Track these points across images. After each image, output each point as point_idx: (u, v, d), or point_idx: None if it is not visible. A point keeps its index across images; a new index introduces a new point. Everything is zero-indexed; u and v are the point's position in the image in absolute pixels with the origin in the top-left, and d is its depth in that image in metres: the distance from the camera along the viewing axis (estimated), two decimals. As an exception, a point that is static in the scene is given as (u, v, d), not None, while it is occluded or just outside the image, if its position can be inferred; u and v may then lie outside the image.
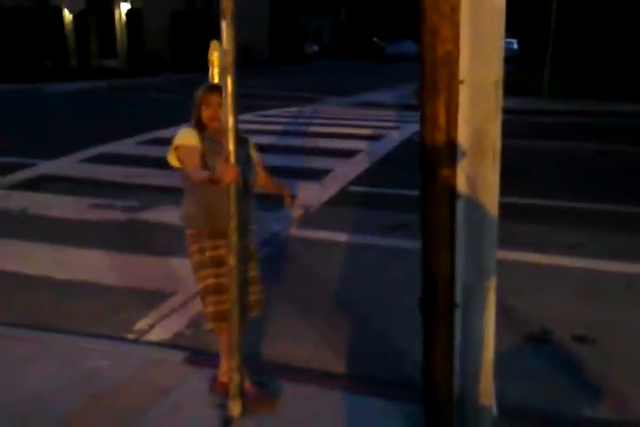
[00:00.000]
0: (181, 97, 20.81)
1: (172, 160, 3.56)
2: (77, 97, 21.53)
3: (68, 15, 30.39)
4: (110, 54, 34.79)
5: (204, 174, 3.36)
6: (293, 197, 3.63)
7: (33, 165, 9.99)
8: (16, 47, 30.20)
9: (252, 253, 3.66)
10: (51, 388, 3.75)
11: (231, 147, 3.13)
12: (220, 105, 3.31)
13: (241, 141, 3.49)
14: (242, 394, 3.48)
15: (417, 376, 3.33)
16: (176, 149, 3.50)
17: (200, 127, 3.50)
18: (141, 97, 21.98)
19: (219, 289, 3.54)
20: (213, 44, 3.35)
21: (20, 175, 9.30)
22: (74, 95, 22.04)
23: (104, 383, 3.79)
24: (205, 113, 3.46)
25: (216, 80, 3.48)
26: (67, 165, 10.13)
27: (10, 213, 7.48)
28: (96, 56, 33.83)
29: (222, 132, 3.26)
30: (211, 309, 3.58)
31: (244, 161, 3.40)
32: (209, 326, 3.63)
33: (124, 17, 34.93)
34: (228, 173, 3.15)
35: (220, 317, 3.56)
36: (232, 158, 3.13)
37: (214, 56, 3.32)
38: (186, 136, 3.49)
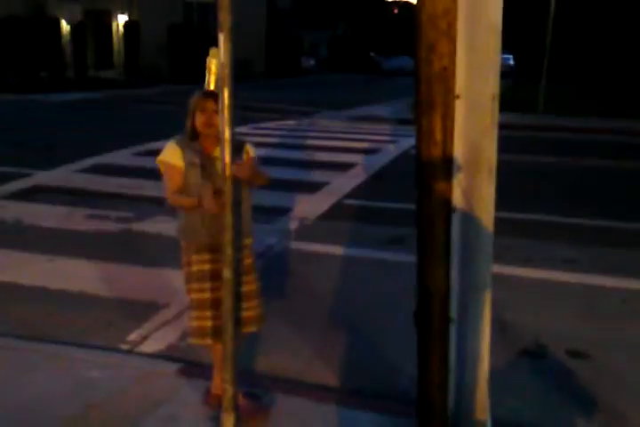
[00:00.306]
0: (178, 108, 20.85)
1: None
2: (74, 108, 21.55)
3: (65, 26, 30.46)
4: (107, 65, 34.89)
5: (182, 201, 3.40)
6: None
7: (28, 175, 9.98)
8: (12, 57, 30.21)
9: (248, 267, 3.61)
10: (47, 397, 3.74)
11: (228, 159, 3.13)
12: (216, 111, 3.25)
13: (236, 149, 3.49)
14: (235, 407, 3.47)
15: (411, 390, 3.33)
16: (159, 162, 3.48)
17: (193, 136, 3.45)
18: (138, 108, 22.01)
19: (202, 304, 3.54)
20: (212, 50, 3.34)
21: (15, 185, 9.29)
22: (70, 106, 22.05)
23: (98, 394, 3.78)
24: (200, 119, 3.38)
25: (212, 87, 3.47)
26: (62, 176, 10.12)
27: (4, 223, 7.47)
28: (93, 67, 33.91)
29: (215, 139, 3.27)
30: (194, 324, 3.57)
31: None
32: (191, 340, 3.63)
33: (121, 28, 35.06)
34: (216, 206, 3.12)
35: (201, 333, 3.55)
36: (228, 170, 3.13)
37: (212, 63, 3.32)
38: (169, 152, 3.45)
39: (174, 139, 3.50)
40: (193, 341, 3.61)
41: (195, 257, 3.53)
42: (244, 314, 3.59)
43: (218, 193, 3.10)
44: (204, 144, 3.44)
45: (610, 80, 27.35)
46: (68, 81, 29.40)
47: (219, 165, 3.15)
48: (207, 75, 3.36)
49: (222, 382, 3.39)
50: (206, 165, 3.39)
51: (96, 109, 21.36)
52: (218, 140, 3.18)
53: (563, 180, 10.70)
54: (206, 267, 3.50)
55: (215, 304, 3.49)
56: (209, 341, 3.58)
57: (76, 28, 29.56)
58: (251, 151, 3.60)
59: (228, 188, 3.14)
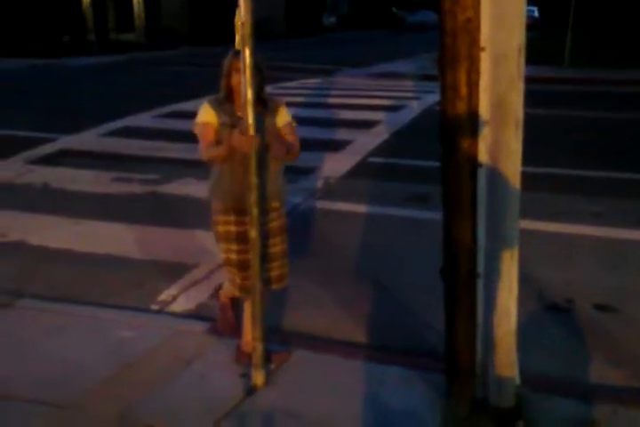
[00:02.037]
0: (200, 69, 20.82)
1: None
2: (96, 71, 21.53)
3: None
4: (128, 28, 34.71)
5: (213, 151, 3.37)
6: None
7: (54, 139, 10.03)
8: (34, 23, 30.18)
9: (274, 230, 3.61)
10: (80, 358, 3.81)
11: (250, 120, 3.11)
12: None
13: (270, 109, 3.46)
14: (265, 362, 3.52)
15: (439, 346, 3.35)
16: (195, 125, 3.49)
17: (228, 95, 3.44)
18: (160, 70, 21.95)
19: (229, 263, 3.62)
20: (238, 11, 3.31)
21: (41, 150, 9.35)
22: (92, 69, 22.04)
23: (130, 353, 3.84)
24: (236, 79, 3.34)
25: (237, 46, 3.44)
26: (87, 140, 10.16)
27: (32, 187, 7.54)
28: (114, 30, 33.75)
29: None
30: (227, 276, 3.70)
31: (263, 132, 3.34)
32: (223, 290, 3.84)
33: (141, -10, 34.80)
34: (246, 142, 3.12)
35: (231, 286, 3.71)
36: (251, 130, 3.12)
37: (237, 23, 3.29)
38: (203, 112, 3.47)
39: (208, 100, 3.50)
40: (228, 286, 3.83)
41: (221, 217, 3.55)
42: (273, 273, 3.65)
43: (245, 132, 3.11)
44: (238, 105, 3.41)
45: (636, 30, 26.72)
46: (90, 45, 29.35)
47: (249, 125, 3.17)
48: (237, 35, 3.33)
49: (252, 340, 3.44)
50: (237, 124, 3.36)
51: (118, 72, 21.33)
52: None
53: (591, 133, 10.55)
54: (232, 228, 3.53)
55: (241, 265, 3.55)
56: (237, 293, 3.69)
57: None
58: (286, 115, 3.57)
59: (252, 149, 3.14)
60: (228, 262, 3.63)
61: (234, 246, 3.55)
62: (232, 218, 3.53)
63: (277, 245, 3.65)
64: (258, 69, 3.20)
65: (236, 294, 3.72)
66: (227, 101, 3.46)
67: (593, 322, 4.32)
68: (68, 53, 27.07)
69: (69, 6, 31.10)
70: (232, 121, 3.39)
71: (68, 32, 30.98)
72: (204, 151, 3.44)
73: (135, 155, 9.02)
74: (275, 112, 3.50)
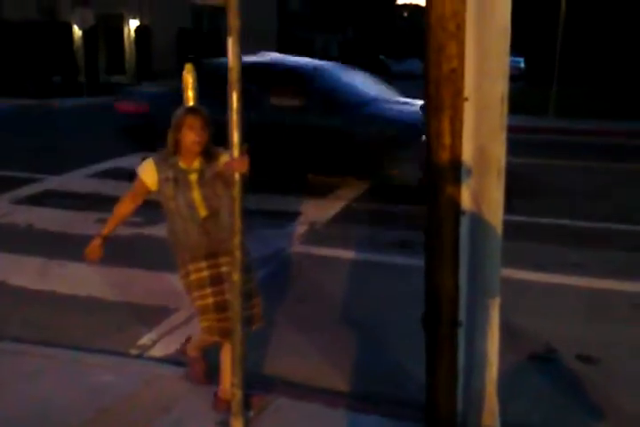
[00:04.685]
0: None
1: None
2: (85, 113, 21.61)
3: (77, 31, 30.58)
4: (119, 70, 34.98)
5: (119, 205, 3.74)
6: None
7: (40, 179, 10.02)
8: (25, 62, 30.38)
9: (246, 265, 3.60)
10: (57, 402, 3.75)
11: (236, 140, 3.09)
12: (203, 128, 3.37)
13: (212, 159, 3.50)
14: (244, 411, 3.46)
15: (420, 395, 3.31)
16: (136, 176, 3.63)
17: (175, 150, 3.47)
18: (148, 113, 22.03)
19: (206, 310, 3.57)
20: (187, 66, 3.37)
21: (27, 190, 9.32)
22: (82, 111, 22.12)
23: (108, 398, 3.77)
24: (190, 137, 3.39)
25: (191, 103, 3.52)
26: (73, 181, 10.15)
27: (16, 227, 7.50)
28: (104, 72, 34.00)
29: (196, 154, 3.42)
30: (203, 324, 3.61)
31: (211, 181, 3.45)
32: (202, 336, 3.72)
33: (132, 33, 35.18)
34: (239, 164, 3.09)
35: (209, 331, 3.61)
36: (237, 176, 3.12)
37: (189, 78, 3.34)
38: (144, 168, 3.58)
39: (153, 157, 3.57)
40: (203, 336, 3.70)
41: (191, 266, 3.56)
42: (249, 312, 3.59)
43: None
44: (183, 158, 3.47)
45: (621, 82, 27.22)
46: (81, 86, 29.49)
47: (193, 177, 3.40)
48: (185, 91, 3.38)
49: (231, 387, 3.39)
50: (179, 177, 3.46)
51: (108, 114, 21.39)
52: (198, 154, 3.41)
53: (573, 183, 10.64)
54: (204, 273, 3.53)
55: (219, 307, 3.53)
56: (216, 337, 3.62)
57: (88, 33, 29.64)
58: (227, 155, 3.56)
59: (237, 193, 3.14)
60: (204, 309, 3.56)
61: (208, 290, 3.53)
62: (203, 264, 3.54)
63: (252, 281, 3.63)
64: (207, 125, 3.37)
65: (214, 339, 3.64)
66: (173, 155, 3.49)
67: (575, 372, 4.29)
68: (59, 94, 27.17)
69: (61, 47, 31.34)
70: (175, 174, 3.46)
71: (59, 72, 31.15)
72: (121, 198, 3.72)
73: (120, 197, 8.98)
74: (216, 160, 3.50)
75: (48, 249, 6.61)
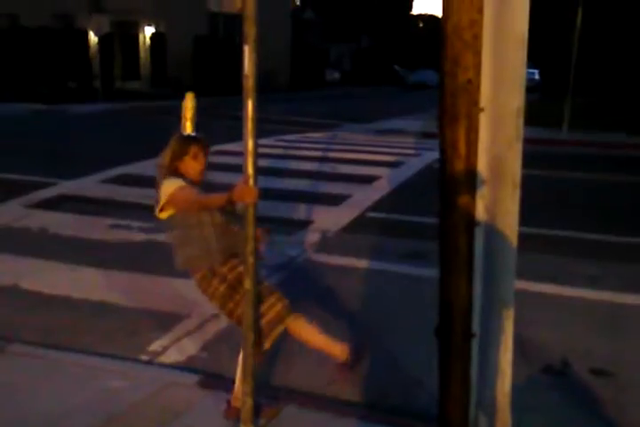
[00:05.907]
0: (202, 120, 21.02)
1: (164, 213, 3.62)
2: (100, 118, 21.74)
3: (93, 38, 30.81)
4: (134, 77, 35.19)
5: (213, 197, 3.32)
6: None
7: (54, 184, 10.07)
8: (42, 68, 30.66)
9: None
10: (68, 407, 3.74)
11: (250, 171, 3.11)
12: (205, 157, 3.46)
13: None
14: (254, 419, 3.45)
15: (432, 407, 3.29)
16: (174, 193, 3.44)
17: (176, 175, 3.52)
18: (163, 119, 22.11)
19: (269, 293, 3.67)
20: (189, 95, 3.37)
21: (41, 194, 9.37)
22: (97, 116, 22.26)
23: (119, 404, 3.77)
24: (195, 167, 3.48)
25: (188, 130, 3.53)
26: (87, 186, 10.20)
27: (30, 231, 7.52)
28: (120, 78, 34.21)
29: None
30: (263, 326, 3.59)
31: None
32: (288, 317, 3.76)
33: (148, 40, 35.38)
34: (248, 193, 3.10)
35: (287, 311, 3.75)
36: (251, 182, 3.12)
37: (188, 108, 3.34)
38: (175, 181, 3.48)
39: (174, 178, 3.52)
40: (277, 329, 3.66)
41: (225, 268, 3.57)
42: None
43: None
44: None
45: (637, 95, 27.10)
46: (96, 92, 29.69)
47: None
48: (183, 119, 3.39)
49: (242, 395, 3.38)
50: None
51: (122, 120, 21.53)
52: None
53: (589, 196, 10.60)
54: (240, 269, 3.48)
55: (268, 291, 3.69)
56: (290, 316, 3.74)
57: (104, 40, 29.86)
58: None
59: (254, 199, 3.14)
60: (270, 291, 3.69)
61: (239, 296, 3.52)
62: (235, 261, 3.56)
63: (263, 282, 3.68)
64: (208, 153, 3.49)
65: (287, 321, 3.69)
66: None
67: (589, 387, 4.26)
68: (73, 100, 27.37)
69: (76, 53, 31.61)
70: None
71: (75, 78, 31.40)
72: (198, 201, 3.42)
73: (134, 202, 9.03)
74: None
75: (61, 253, 6.63)
